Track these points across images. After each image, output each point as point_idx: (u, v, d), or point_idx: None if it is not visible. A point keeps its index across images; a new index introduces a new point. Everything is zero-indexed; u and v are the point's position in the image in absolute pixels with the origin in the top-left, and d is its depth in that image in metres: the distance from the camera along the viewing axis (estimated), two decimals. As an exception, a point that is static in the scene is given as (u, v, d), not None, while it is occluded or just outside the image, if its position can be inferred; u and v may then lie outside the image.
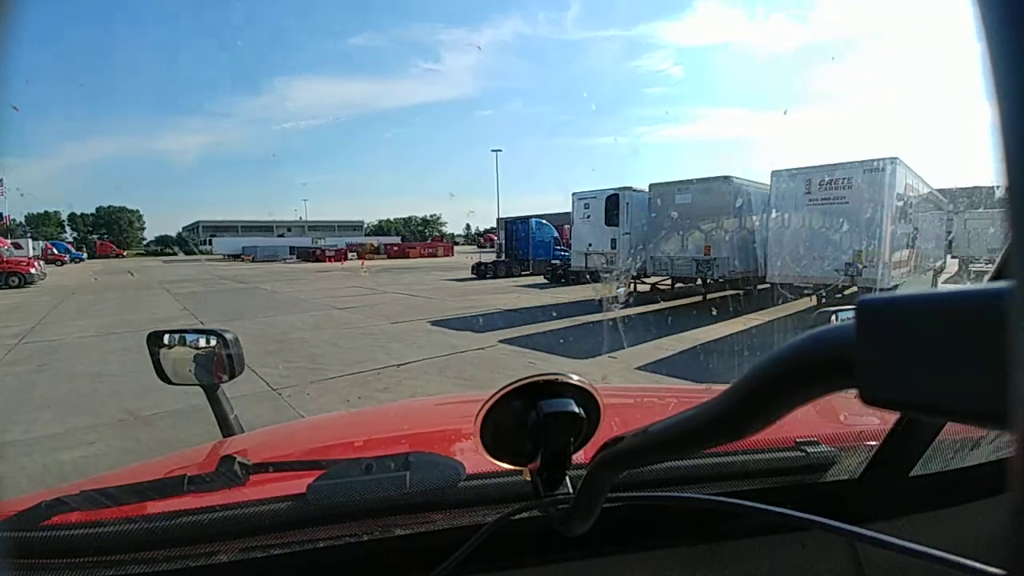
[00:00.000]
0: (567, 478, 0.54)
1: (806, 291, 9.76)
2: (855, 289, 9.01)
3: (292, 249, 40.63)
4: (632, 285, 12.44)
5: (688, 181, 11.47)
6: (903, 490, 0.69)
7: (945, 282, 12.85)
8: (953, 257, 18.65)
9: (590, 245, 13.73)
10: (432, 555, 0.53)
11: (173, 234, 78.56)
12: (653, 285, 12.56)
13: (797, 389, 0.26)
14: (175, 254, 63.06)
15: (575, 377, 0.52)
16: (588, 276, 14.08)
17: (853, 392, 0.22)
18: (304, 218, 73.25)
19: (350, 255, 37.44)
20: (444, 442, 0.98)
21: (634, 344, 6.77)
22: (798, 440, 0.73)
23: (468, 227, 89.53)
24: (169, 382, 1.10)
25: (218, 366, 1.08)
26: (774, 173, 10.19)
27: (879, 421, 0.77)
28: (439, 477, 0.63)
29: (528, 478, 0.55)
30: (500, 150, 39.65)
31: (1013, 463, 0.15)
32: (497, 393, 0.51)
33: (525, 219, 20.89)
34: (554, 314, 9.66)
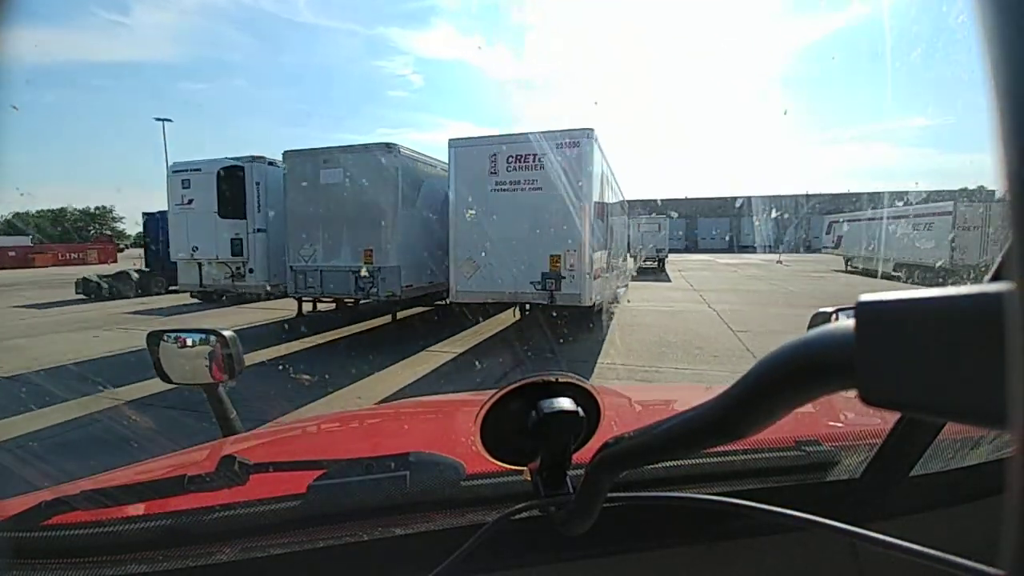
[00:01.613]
0: (567, 478, 0.54)
1: (493, 311, 6.84)
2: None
3: None
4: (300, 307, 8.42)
5: (335, 150, 7.20)
6: (903, 490, 0.69)
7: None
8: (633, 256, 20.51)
9: (195, 249, 8.18)
10: (432, 555, 0.53)
11: None
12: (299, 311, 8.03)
13: (797, 389, 0.26)
14: None
15: (575, 377, 0.53)
16: (215, 295, 8.60)
17: (853, 392, 0.22)
18: None
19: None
20: (444, 442, 0.98)
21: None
22: (798, 440, 0.73)
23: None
24: (169, 381, 1.10)
25: (218, 366, 1.08)
26: (452, 143, 6.79)
27: (879, 421, 0.78)
28: (439, 477, 0.63)
29: (528, 478, 0.56)
30: (169, 120, 28.60)
31: (1013, 463, 0.16)
32: (497, 393, 0.51)
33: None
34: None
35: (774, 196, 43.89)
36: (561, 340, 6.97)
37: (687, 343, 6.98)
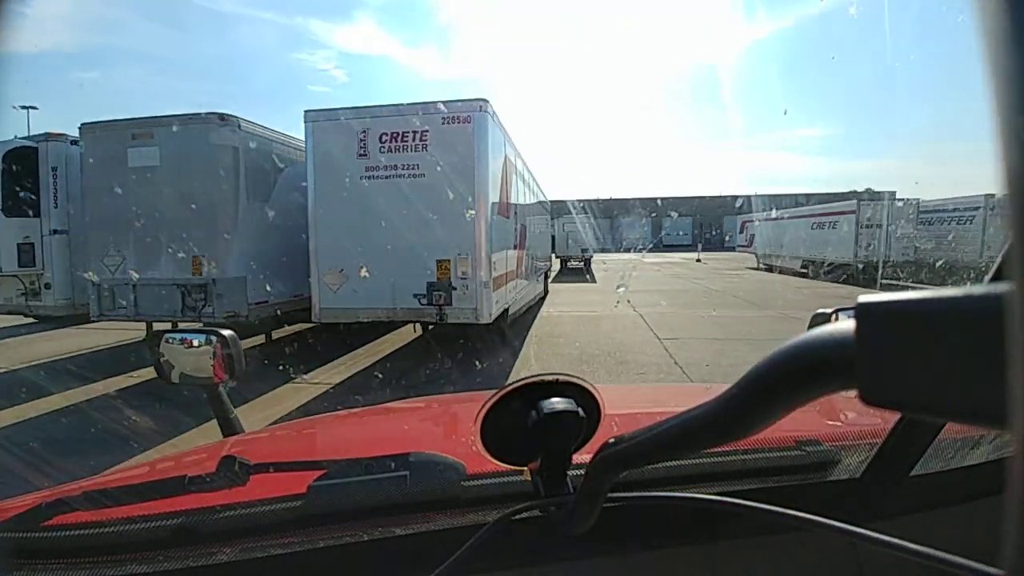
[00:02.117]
0: (567, 478, 0.54)
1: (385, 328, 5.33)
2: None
3: None
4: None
5: (148, 121, 5.34)
6: (903, 490, 0.68)
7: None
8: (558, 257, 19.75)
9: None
10: (432, 555, 0.52)
11: None
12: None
13: (797, 389, 0.26)
14: None
15: (576, 377, 0.53)
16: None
17: (853, 392, 0.22)
18: None
19: None
20: (444, 442, 0.98)
21: None
22: (798, 440, 0.73)
23: None
24: (170, 381, 1.09)
25: (218, 366, 1.06)
26: (308, 115, 5.20)
27: (879, 421, 0.77)
28: (439, 477, 0.64)
29: (528, 478, 0.56)
30: (34, 107, 23.31)
31: (1013, 463, 0.16)
32: (497, 393, 0.52)
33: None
34: None
35: (693, 197, 45.73)
36: (466, 360, 5.63)
37: (610, 355, 6.22)
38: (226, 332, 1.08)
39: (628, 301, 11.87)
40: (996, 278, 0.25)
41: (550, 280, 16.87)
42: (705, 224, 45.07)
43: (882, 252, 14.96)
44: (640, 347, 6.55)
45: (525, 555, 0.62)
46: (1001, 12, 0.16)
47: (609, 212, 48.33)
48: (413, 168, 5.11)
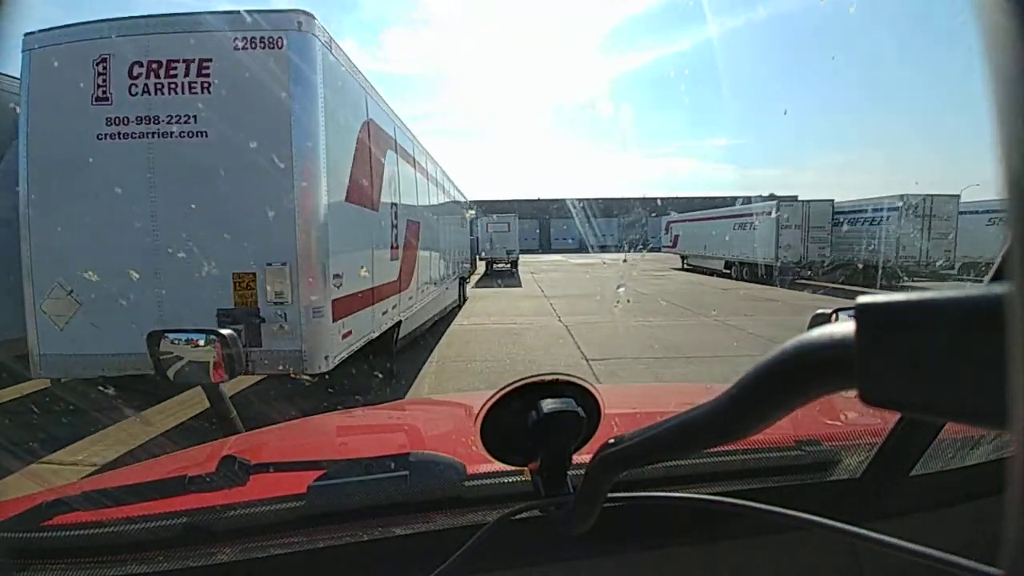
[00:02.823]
0: (567, 478, 0.54)
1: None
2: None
3: None
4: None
5: None
6: (903, 490, 0.68)
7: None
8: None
9: None
10: (432, 555, 0.52)
11: None
12: None
13: (797, 389, 0.26)
14: None
15: (576, 377, 0.53)
16: None
17: (853, 392, 0.22)
18: None
19: None
20: (444, 442, 0.96)
21: None
22: (798, 440, 0.73)
23: None
24: (169, 381, 1.09)
25: (218, 365, 1.06)
26: (28, 40, 2.93)
27: (879, 421, 0.76)
28: (439, 477, 0.64)
29: (528, 478, 0.56)
30: None
31: (1013, 463, 0.16)
32: (497, 393, 0.51)
33: None
34: None
35: (618, 199, 46.27)
36: (336, 395, 3.66)
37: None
38: (226, 332, 1.07)
39: (554, 309, 10.57)
40: (996, 278, 0.25)
41: (472, 285, 15.63)
42: (630, 225, 45.72)
43: (802, 252, 14.89)
44: (563, 370, 5.20)
45: (525, 555, 0.61)
46: (1002, 14, 0.16)
47: (536, 213, 47.82)
48: (186, 121, 3.05)
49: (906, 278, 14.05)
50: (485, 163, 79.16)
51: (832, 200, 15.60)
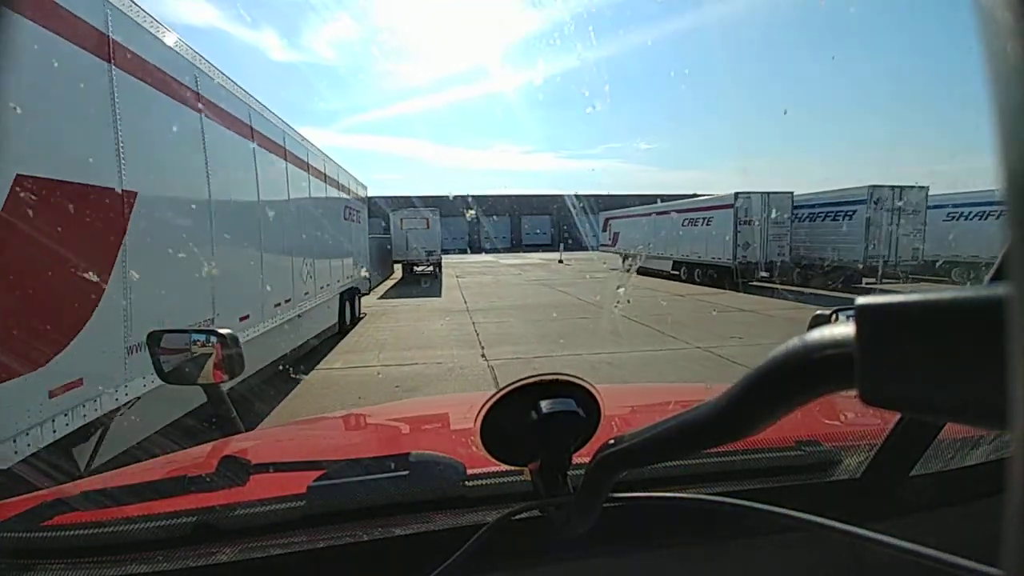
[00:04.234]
0: (567, 478, 0.54)
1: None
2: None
3: None
4: None
5: None
6: (903, 490, 0.69)
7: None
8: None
9: None
10: (432, 555, 0.52)
11: None
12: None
13: (797, 389, 0.26)
14: None
15: (576, 377, 0.53)
16: None
17: (853, 392, 0.22)
18: None
19: None
20: (444, 442, 0.95)
21: None
22: (798, 440, 0.73)
23: None
24: (169, 381, 1.07)
25: (218, 366, 1.05)
26: None
27: (879, 421, 0.77)
28: (439, 477, 0.64)
29: (528, 478, 0.56)
30: None
31: (1013, 463, 0.16)
32: (497, 393, 0.51)
33: None
34: None
35: (553, 196, 44.41)
36: None
37: None
38: (226, 331, 1.06)
39: (477, 334, 7.65)
40: (996, 278, 0.25)
41: (380, 295, 13.35)
42: (565, 223, 44.00)
43: (762, 251, 13.10)
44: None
45: (525, 555, 0.61)
46: (1003, 14, 0.16)
47: (461, 210, 44.97)
48: None
49: (876, 280, 12.76)
50: (415, 161, 74.47)
51: (792, 192, 13.68)
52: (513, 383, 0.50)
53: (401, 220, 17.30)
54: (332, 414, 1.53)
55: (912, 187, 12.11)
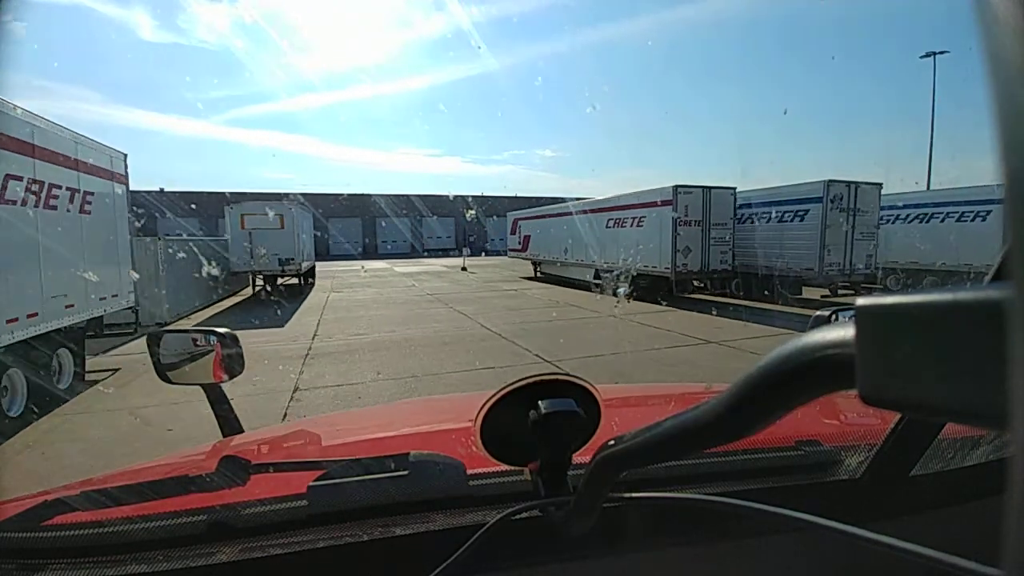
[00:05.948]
0: (567, 478, 0.54)
1: None
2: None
3: None
4: None
5: None
6: (903, 490, 0.68)
7: None
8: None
9: None
10: (432, 555, 0.52)
11: None
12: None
13: (797, 389, 0.26)
14: None
15: (576, 377, 0.53)
16: None
17: (853, 392, 0.22)
18: None
19: None
20: (444, 442, 0.95)
21: None
22: (798, 440, 0.73)
23: None
24: (169, 382, 1.06)
25: (218, 366, 1.04)
26: None
27: (879, 421, 0.76)
28: (439, 477, 0.63)
29: (528, 478, 0.56)
30: None
31: (1013, 463, 0.16)
32: (497, 393, 0.51)
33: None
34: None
35: (455, 198, 40.85)
36: None
37: None
38: (225, 331, 1.05)
39: (284, 418, 3.76)
40: (996, 278, 0.25)
41: (196, 323, 9.64)
42: (471, 229, 40.52)
43: (702, 258, 10.85)
44: None
45: (525, 555, 0.61)
46: (1003, 15, 0.16)
47: (360, 211, 39.72)
48: None
49: (832, 294, 11.10)
50: (309, 159, 66.32)
51: (735, 188, 11.64)
52: (513, 383, 0.51)
53: (242, 217, 12.63)
54: (332, 414, 1.60)
55: (866, 184, 10.62)
